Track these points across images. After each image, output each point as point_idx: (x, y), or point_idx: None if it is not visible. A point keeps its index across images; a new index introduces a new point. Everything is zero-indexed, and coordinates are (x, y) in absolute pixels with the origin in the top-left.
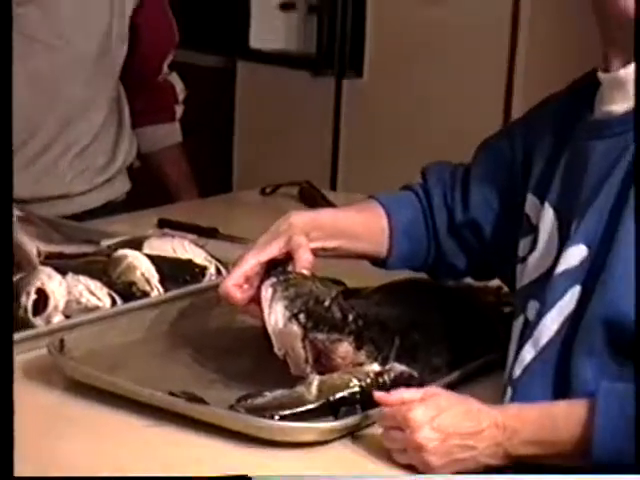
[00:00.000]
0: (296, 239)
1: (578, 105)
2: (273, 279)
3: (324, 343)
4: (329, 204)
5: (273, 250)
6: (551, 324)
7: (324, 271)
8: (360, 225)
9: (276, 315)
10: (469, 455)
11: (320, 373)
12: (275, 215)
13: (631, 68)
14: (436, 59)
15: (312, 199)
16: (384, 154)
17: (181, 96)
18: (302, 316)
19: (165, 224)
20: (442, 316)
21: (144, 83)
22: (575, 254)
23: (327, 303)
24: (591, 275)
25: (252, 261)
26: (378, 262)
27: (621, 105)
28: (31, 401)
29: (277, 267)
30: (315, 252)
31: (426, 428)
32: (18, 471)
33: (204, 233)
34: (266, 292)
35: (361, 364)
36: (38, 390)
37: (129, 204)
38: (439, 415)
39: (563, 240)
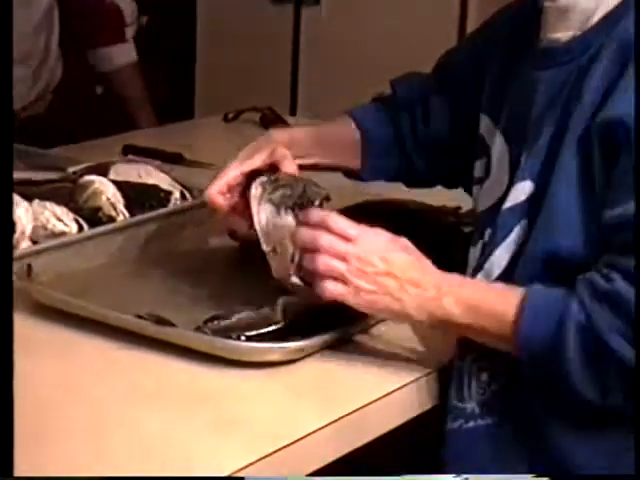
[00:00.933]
0: (280, 150)
1: (526, 26)
2: (263, 178)
3: None
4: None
5: (256, 161)
6: (500, 260)
7: None
8: (335, 140)
9: (266, 211)
10: (398, 298)
11: (299, 278)
12: (238, 140)
13: (560, 33)
14: None
15: (274, 124)
16: (341, 80)
17: (130, 18)
18: (297, 209)
19: (130, 150)
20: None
21: (88, 7)
22: (522, 190)
23: (317, 203)
24: (536, 211)
25: (235, 171)
26: (353, 174)
27: (565, 33)
28: None
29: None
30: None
31: (376, 256)
32: None
33: (168, 159)
34: (256, 190)
35: None
36: None
37: (49, 118)
38: (394, 252)
39: (513, 170)
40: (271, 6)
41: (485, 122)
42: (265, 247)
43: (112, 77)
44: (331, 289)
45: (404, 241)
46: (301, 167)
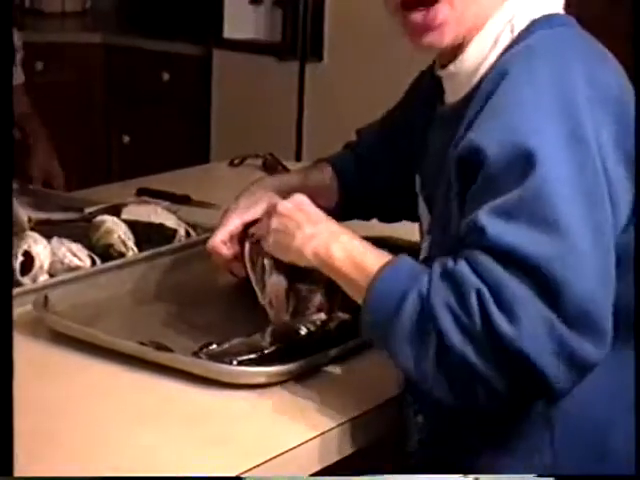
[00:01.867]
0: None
1: (437, 92)
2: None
3: (304, 293)
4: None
5: (257, 212)
6: None
7: None
8: (319, 185)
9: (270, 262)
10: (293, 234)
11: None
12: (241, 184)
13: (458, 62)
14: (386, 44)
15: (274, 169)
16: (342, 129)
17: (18, 44)
18: (288, 268)
19: (143, 192)
20: None
21: None
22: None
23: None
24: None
25: (237, 221)
26: (331, 213)
27: (454, 97)
28: (19, 351)
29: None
30: None
31: (292, 206)
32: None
33: (177, 200)
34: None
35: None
36: (26, 341)
37: None
38: (309, 205)
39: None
40: (278, 63)
41: (417, 180)
42: (261, 300)
43: None
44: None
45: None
46: None
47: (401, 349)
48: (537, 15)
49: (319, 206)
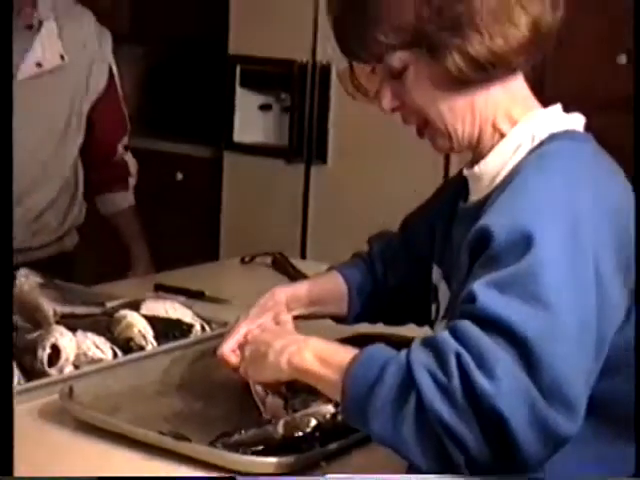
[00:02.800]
0: (283, 318)
1: (462, 190)
2: None
3: (297, 406)
4: (297, 271)
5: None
6: None
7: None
8: (328, 293)
9: (262, 387)
10: (265, 353)
11: None
12: (252, 281)
13: (482, 165)
14: (386, 148)
15: (283, 267)
16: (345, 228)
17: (133, 170)
18: (283, 388)
19: (160, 288)
20: None
21: (102, 161)
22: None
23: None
24: None
25: (245, 330)
26: (341, 320)
27: (476, 196)
28: (46, 439)
29: None
30: (295, 318)
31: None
32: None
33: (192, 295)
34: None
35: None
36: (52, 430)
37: (78, 253)
38: (272, 327)
39: None
40: (285, 165)
41: (436, 271)
42: (264, 415)
43: (113, 217)
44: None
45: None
46: (302, 316)
47: (380, 415)
48: (558, 129)
49: (331, 313)
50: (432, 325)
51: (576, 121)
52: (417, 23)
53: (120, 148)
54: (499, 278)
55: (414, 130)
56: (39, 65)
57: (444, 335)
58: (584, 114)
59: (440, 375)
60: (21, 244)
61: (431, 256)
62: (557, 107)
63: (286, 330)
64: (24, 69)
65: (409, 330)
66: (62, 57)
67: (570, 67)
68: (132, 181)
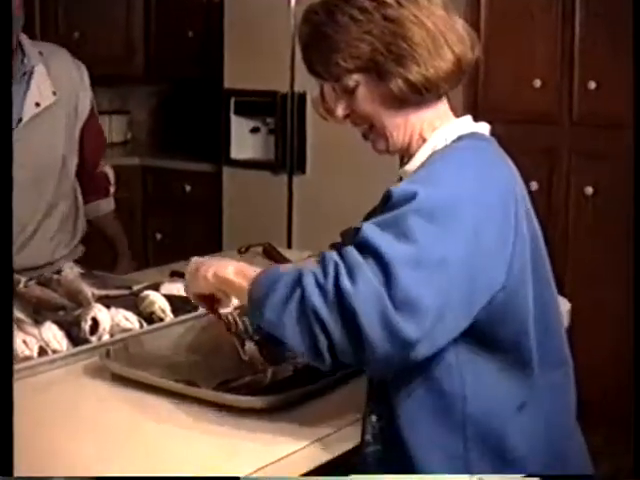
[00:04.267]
0: None
1: None
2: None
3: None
4: (283, 258)
5: None
6: None
7: None
8: None
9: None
10: (196, 270)
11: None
12: None
13: (410, 164)
14: (354, 160)
15: (272, 255)
16: (322, 224)
17: (112, 179)
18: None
19: (175, 274)
20: None
21: (87, 174)
22: None
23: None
24: None
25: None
26: None
27: None
28: (90, 391)
29: None
30: None
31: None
32: (81, 433)
33: None
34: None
35: None
36: (93, 383)
37: (85, 259)
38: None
39: None
40: (272, 176)
41: None
42: (243, 357)
43: (97, 220)
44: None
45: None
46: None
47: (271, 307)
48: (466, 132)
49: None
50: None
51: (482, 127)
52: (371, 54)
53: (101, 162)
54: (382, 219)
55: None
56: (37, 105)
57: (332, 253)
58: (508, 125)
59: (320, 277)
60: (43, 260)
61: None
62: (467, 117)
63: (211, 258)
64: (27, 111)
65: None
66: (54, 93)
67: (497, 89)
68: (112, 189)
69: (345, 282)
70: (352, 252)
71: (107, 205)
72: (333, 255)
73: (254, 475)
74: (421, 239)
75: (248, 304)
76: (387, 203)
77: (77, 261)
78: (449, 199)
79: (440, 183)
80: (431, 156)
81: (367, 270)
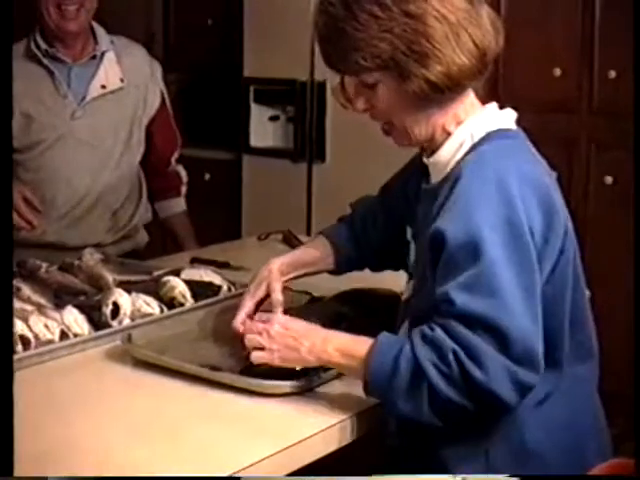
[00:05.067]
0: (272, 285)
1: (424, 171)
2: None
3: None
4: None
5: (260, 294)
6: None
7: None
8: (316, 255)
9: None
10: (296, 349)
11: None
12: (266, 253)
13: (436, 157)
14: (372, 148)
15: (291, 241)
16: (340, 210)
17: (184, 179)
18: None
19: (195, 260)
20: (369, 311)
21: (158, 171)
22: (408, 288)
23: None
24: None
25: (249, 304)
26: (332, 272)
27: (434, 179)
28: (111, 375)
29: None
30: (290, 280)
31: (276, 325)
32: (100, 419)
33: (220, 265)
34: None
35: None
36: (115, 367)
37: (148, 251)
38: (293, 322)
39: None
40: (291, 164)
41: (408, 230)
42: None
43: (168, 219)
44: (256, 356)
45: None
46: (296, 277)
47: (400, 402)
48: (492, 128)
49: (321, 270)
50: (407, 270)
51: (508, 117)
52: (391, 53)
53: (173, 160)
54: (465, 280)
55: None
56: (103, 87)
57: (441, 335)
58: (528, 114)
59: (443, 367)
60: (96, 240)
61: (406, 217)
62: (493, 106)
63: (304, 327)
64: (92, 91)
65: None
66: (122, 80)
67: (517, 78)
68: (183, 189)
69: (475, 372)
70: (460, 330)
71: (177, 205)
72: (445, 340)
73: (279, 455)
74: (508, 287)
75: (366, 393)
76: (442, 248)
77: (136, 251)
78: (508, 232)
79: (492, 214)
80: (461, 155)
81: (485, 347)
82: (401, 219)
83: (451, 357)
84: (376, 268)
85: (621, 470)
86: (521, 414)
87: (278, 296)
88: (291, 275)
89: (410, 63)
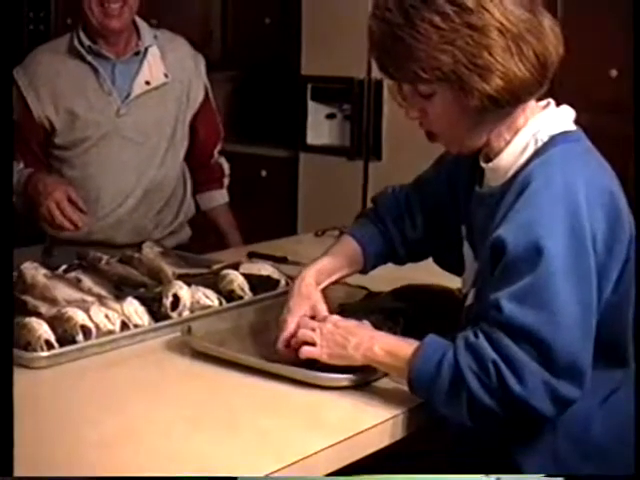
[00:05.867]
0: (313, 299)
1: (476, 168)
2: None
3: None
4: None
5: (301, 312)
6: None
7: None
8: (346, 259)
9: None
10: (344, 346)
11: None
12: (323, 248)
13: (495, 162)
14: (432, 146)
15: None
16: None
17: (227, 171)
18: None
19: (253, 255)
20: (425, 307)
21: (201, 164)
22: (470, 296)
23: None
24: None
25: (292, 326)
26: (361, 272)
27: (493, 183)
28: (170, 366)
29: None
30: (327, 286)
31: (329, 324)
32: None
33: (278, 260)
34: None
35: None
36: (175, 358)
37: (192, 245)
38: (343, 321)
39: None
40: (347, 162)
41: (463, 228)
42: None
43: (211, 211)
44: (305, 350)
45: (355, 321)
46: (331, 283)
47: (442, 405)
48: (556, 131)
49: (352, 273)
50: (461, 274)
51: (567, 116)
52: (453, 66)
53: (216, 153)
54: (518, 290)
55: None
56: (147, 83)
57: (483, 344)
58: (584, 116)
59: (483, 377)
60: (143, 238)
61: (449, 210)
62: (552, 107)
63: (353, 326)
64: (136, 87)
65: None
66: (166, 75)
67: (573, 78)
68: (226, 181)
69: (514, 386)
70: (504, 341)
71: (221, 197)
72: (487, 349)
73: (338, 447)
74: (562, 299)
75: (411, 390)
76: (502, 255)
77: (182, 245)
78: (571, 243)
79: (557, 225)
80: (525, 159)
81: (527, 360)
82: (441, 208)
83: (491, 368)
84: (406, 261)
85: None
86: (587, 410)
87: (322, 307)
88: (325, 283)
89: (472, 77)
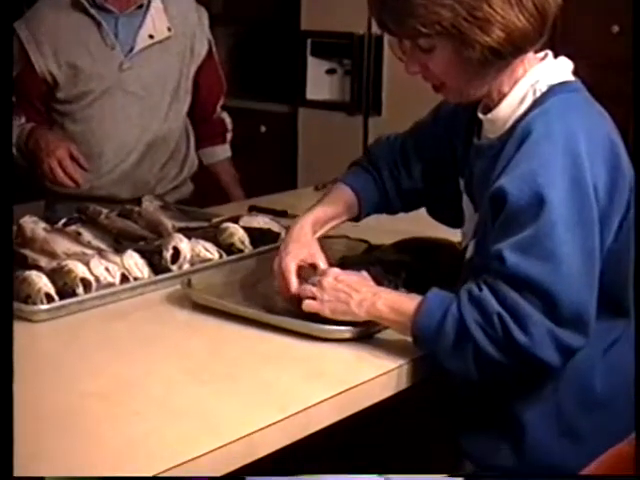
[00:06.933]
0: (311, 246)
1: (474, 120)
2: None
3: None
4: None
5: (301, 255)
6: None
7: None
8: (342, 207)
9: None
10: (346, 301)
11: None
12: None
13: (494, 113)
14: (428, 101)
15: None
16: None
17: (229, 126)
18: None
19: (253, 209)
20: (428, 260)
21: (204, 119)
22: (471, 247)
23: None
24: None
25: (293, 266)
26: (355, 219)
27: (492, 134)
28: (171, 318)
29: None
30: (323, 234)
31: (330, 277)
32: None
33: (278, 214)
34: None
35: None
36: (175, 311)
37: (193, 201)
38: (345, 275)
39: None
40: (347, 117)
41: (460, 181)
42: None
43: (213, 166)
44: (307, 304)
45: (357, 273)
46: (327, 231)
47: (447, 359)
48: (554, 81)
49: (346, 220)
50: (461, 226)
51: (565, 67)
52: (453, 20)
53: (219, 108)
54: (521, 240)
55: None
56: (151, 37)
57: (487, 297)
58: (585, 71)
59: (488, 329)
60: (146, 193)
61: (447, 159)
62: (549, 58)
63: (355, 280)
64: (140, 41)
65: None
66: (169, 29)
67: (575, 33)
68: (228, 136)
69: (519, 337)
70: (508, 292)
71: (223, 152)
72: (491, 301)
73: (341, 396)
74: (565, 249)
75: (415, 345)
76: (503, 206)
77: (184, 200)
78: (572, 193)
79: (558, 174)
80: (524, 110)
81: (531, 311)
82: (438, 163)
83: (496, 320)
84: (400, 210)
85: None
86: (589, 360)
87: (321, 258)
88: (322, 231)
89: (472, 30)
